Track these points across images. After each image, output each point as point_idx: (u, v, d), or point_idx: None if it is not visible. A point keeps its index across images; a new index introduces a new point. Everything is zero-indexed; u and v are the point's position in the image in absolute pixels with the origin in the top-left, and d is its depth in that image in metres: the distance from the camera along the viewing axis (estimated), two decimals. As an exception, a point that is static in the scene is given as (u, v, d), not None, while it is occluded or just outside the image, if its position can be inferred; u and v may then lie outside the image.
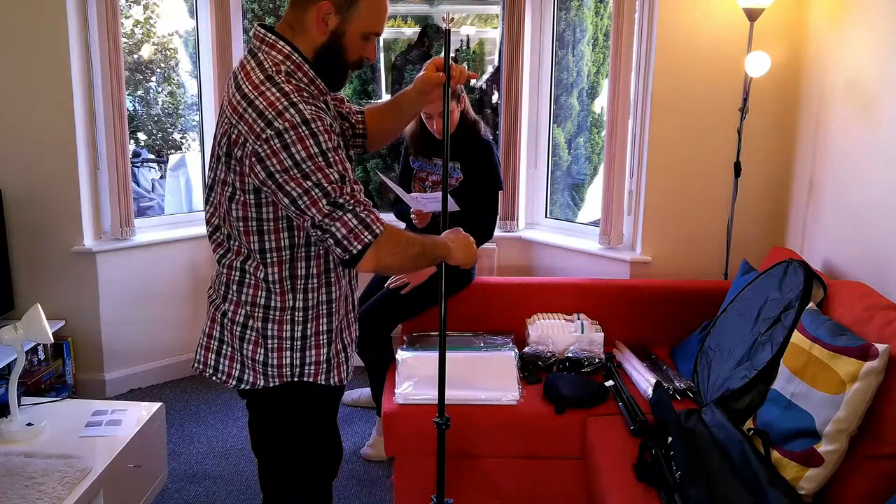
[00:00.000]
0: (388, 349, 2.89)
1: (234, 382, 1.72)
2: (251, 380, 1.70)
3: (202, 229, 4.14)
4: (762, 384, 2.19)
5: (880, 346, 1.82)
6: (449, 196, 2.02)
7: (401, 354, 2.69)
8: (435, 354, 2.69)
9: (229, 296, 1.69)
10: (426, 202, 2.84)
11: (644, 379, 2.59)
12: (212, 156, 1.65)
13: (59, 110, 3.25)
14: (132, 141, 4.72)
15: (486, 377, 2.55)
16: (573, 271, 3.50)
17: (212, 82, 3.70)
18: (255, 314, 1.67)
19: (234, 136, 1.54)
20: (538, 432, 2.48)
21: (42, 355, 3.30)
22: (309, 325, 1.69)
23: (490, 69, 5.56)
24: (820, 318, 2.08)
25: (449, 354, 2.65)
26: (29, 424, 2.43)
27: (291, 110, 1.50)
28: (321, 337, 1.71)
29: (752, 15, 2.86)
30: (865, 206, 2.51)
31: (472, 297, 3.00)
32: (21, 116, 3.25)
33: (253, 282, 1.66)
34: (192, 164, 4.89)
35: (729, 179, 3.09)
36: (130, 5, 4.34)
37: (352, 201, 1.54)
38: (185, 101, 4.65)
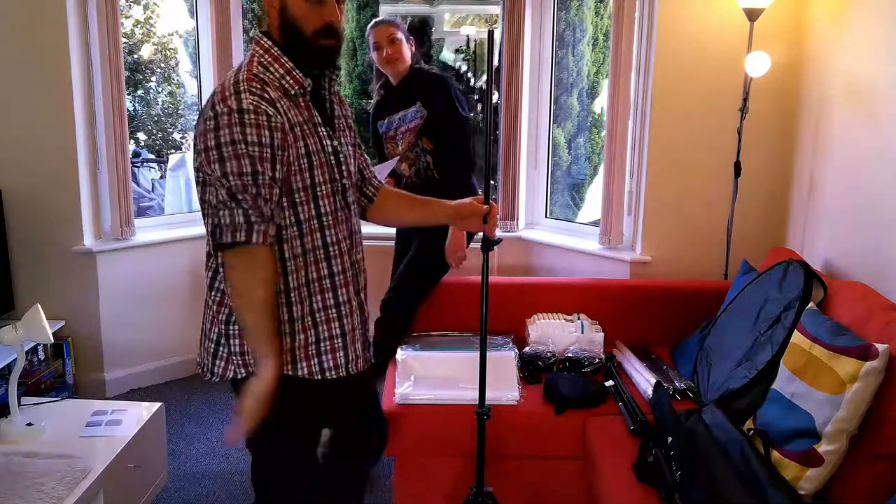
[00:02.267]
0: (398, 339, 2.91)
1: (207, 375, 1.74)
2: (219, 371, 1.72)
3: (202, 229, 4.15)
4: (762, 384, 2.19)
5: (880, 346, 1.82)
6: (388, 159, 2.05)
7: (400, 354, 2.69)
8: (435, 354, 2.70)
9: (207, 283, 1.74)
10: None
11: (644, 379, 2.59)
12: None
13: (59, 110, 3.25)
14: (132, 141, 4.73)
15: (487, 377, 2.55)
16: (573, 271, 3.50)
17: (212, 82, 3.70)
18: (225, 301, 1.69)
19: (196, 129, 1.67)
20: (538, 432, 2.48)
21: (42, 355, 3.30)
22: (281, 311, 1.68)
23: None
24: (820, 318, 2.08)
25: (449, 354, 2.67)
26: (29, 424, 2.43)
27: (234, 98, 1.55)
28: (294, 325, 1.69)
29: (752, 15, 2.86)
30: (865, 206, 2.51)
31: (471, 297, 2.99)
32: (21, 116, 3.25)
33: (214, 266, 1.70)
34: (191, 164, 4.89)
35: (729, 179, 3.09)
36: (130, 5, 4.34)
37: (250, 200, 1.55)
38: (185, 101, 4.65)
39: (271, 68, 1.65)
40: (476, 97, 5.33)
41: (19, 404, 2.45)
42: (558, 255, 3.61)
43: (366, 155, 1.99)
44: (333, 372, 1.73)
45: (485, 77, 5.21)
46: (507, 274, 3.66)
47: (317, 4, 1.65)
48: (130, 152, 3.75)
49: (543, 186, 3.82)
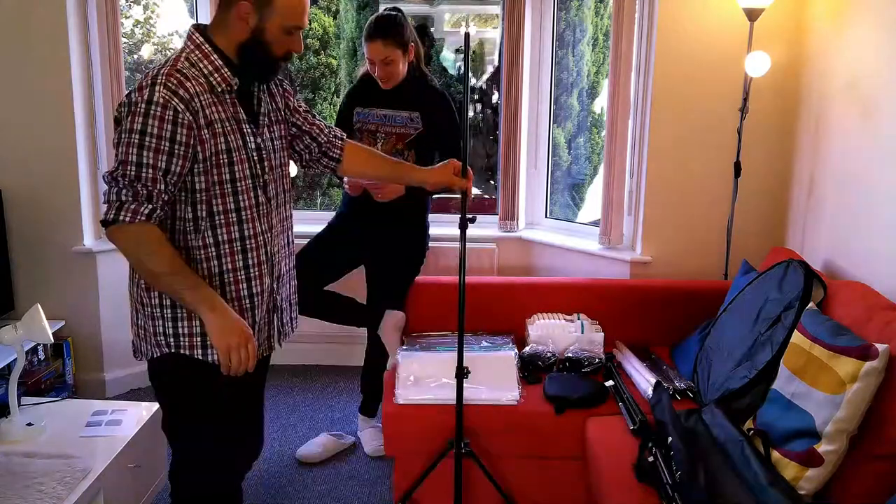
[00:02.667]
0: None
1: (139, 356, 1.84)
2: (143, 350, 1.83)
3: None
4: (762, 384, 2.19)
5: (880, 346, 1.82)
6: None
7: (401, 355, 2.69)
8: (435, 355, 2.70)
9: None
10: None
11: (644, 379, 2.59)
12: None
13: (59, 110, 3.24)
14: (132, 141, 4.73)
15: (486, 377, 2.55)
16: (573, 271, 3.50)
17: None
18: (133, 278, 1.80)
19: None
20: (538, 432, 2.48)
21: (42, 355, 3.30)
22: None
23: (490, 69, 5.57)
24: (820, 318, 2.08)
25: (448, 355, 2.66)
26: (29, 424, 2.43)
27: (148, 89, 1.64)
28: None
29: (752, 15, 2.86)
30: (865, 206, 2.51)
31: (472, 297, 2.99)
32: (21, 117, 3.25)
33: None
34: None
35: (729, 179, 3.09)
36: (130, 5, 4.34)
37: (127, 183, 1.63)
38: (185, 101, 4.66)
39: (200, 64, 1.72)
40: (476, 97, 5.33)
41: (19, 404, 2.45)
42: (558, 255, 3.61)
43: (319, 120, 2.06)
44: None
45: (484, 77, 5.21)
46: (506, 274, 3.66)
47: (290, 35, 1.76)
48: (130, 152, 3.75)
49: (543, 186, 3.82)
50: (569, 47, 4.02)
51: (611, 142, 3.32)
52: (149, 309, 1.77)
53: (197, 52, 1.73)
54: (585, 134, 4.27)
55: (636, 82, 3.23)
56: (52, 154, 3.28)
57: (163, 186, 1.65)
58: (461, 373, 2.33)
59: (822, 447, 1.85)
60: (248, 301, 1.82)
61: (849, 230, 2.61)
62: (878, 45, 2.46)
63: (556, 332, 2.86)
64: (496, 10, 4.66)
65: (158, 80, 1.65)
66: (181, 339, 1.77)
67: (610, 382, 2.61)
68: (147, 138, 1.63)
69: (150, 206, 1.64)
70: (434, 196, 2.93)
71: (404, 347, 2.79)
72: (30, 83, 3.22)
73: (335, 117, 3.08)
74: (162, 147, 1.64)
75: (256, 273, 1.82)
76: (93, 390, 3.47)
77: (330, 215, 3.13)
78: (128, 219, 1.63)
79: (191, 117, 1.66)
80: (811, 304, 2.22)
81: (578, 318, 2.92)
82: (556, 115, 3.85)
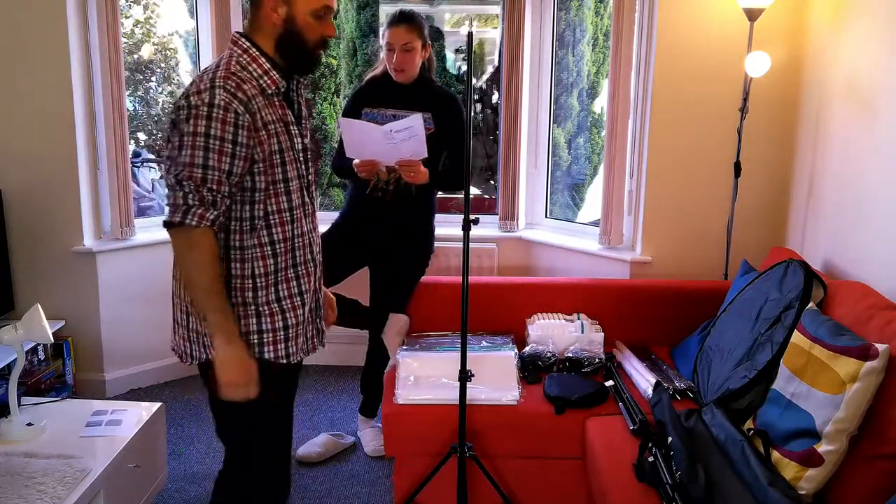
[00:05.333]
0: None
1: (188, 360, 1.83)
2: (192, 353, 1.82)
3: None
4: (762, 384, 2.19)
5: (880, 346, 1.82)
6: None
7: (401, 355, 2.69)
8: (434, 355, 2.70)
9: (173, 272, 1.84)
10: (400, 141, 2.61)
11: (644, 379, 2.59)
12: None
13: (59, 110, 3.25)
14: (132, 141, 4.72)
15: (486, 377, 2.55)
16: (573, 271, 3.50)
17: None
18: (180, 280, 1.81)
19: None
20: (538, 432, 2.48)
21: (42, 355, 3.30)
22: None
23: (490, 69, 5.57)
24: (820, 318, 2.08)
25: (448, 355, 2.67)
26: (29, 424, 2.43)
27: (207, 92, 1.66)
28: (260, 310, 1.79)
29: (752, 15, 2.86)
30: (865, 206, 2.51)
31: (472, 297, 2.99)
32: (21, 116, 3.25)
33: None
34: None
35: (729, 179, 3.09)
36: (130, 5, 4.34)
37: (192, 186, 1.65)
38: (185, 101, 4.66)
39: (249, 68, 1.74)
40: (476, 97, 5.34)
41: (19, 404, 2.45)
42: (558, 255, 3.61)
43: None
44: (294, 357, 1.86)
45: (484, 77, 5.21)
46: (506, 274, 3.66)
47: (320, 19, 1.78)
48: (130, 152, 3.75)
49: (543, 186, 3.82)
50: (569, 47, 4.02)
51: (611, 142, 3.32)
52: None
53: (245, 56, 1.75)
54: (585, 134, 4.28)
55: (636, 82, 3.23)
56: (52, 154, 3.28)
57: (226, 189, 1.68)
58: (464, 376, 2.32)
59: (822, 447, 1.85)
60: (298, 299, 1.85)
61: (849, 230, 2.61)
62: (878, 45, 2.46)
63: (556, 332, 2.86)
64: (496, 10, 4.66)
65: (217, 84, 1.67)
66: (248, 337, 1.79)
67: (610, 382, 2.61)
68: (211, 140, 1.65)
69: (214, 212, 1.67)
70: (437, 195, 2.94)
71: (404, 347, 2.79)
72: (30, 83, 3.22)
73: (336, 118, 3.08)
74: (225, 149, 1.66)
75: (304, 272, 1.86)
76: (93, 390, 3.48)
77: (330, 215, 3.13)
78: (194, 223, 1.65)
79: (250, 119, 1.69)
80: (811, 304, 2.22)
81: (578, 318, 2.92)
82: (556, 115, 3.85)
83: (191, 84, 1.72)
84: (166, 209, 1.68)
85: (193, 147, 1.65)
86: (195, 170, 1.65)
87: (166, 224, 1.68)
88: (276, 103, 1.78)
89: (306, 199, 1.86)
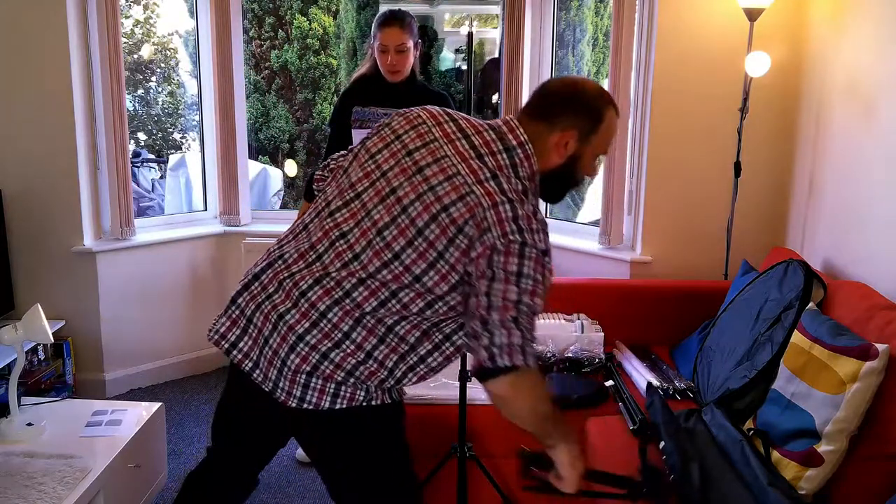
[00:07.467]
0: None
1: (305, 404, 1.65)
2: (343, 402, 1.66)
3: (202, 229, 4.12)
4: (762, 384, 2.19)
5: (880, 346, 1.82)
6: None
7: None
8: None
9: (339, 316, 1.64)
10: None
11: (644, 379, 2.59)
12: (417, 200, 1.62)
13: (59, 110, 3.24)
14: (132, 141, 4.73)
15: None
16: (573, 271, 3.50)
17: (212, 82, 3.70)
18: (401, 352, 1.69)
19: (474, 216, 1.57)
20: (538, 432, 2.48)
21: (42, 355, 3.30)
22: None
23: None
24: (820, 318, 2.08)
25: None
26: (29, 424, 2.43)
27: (541, 235, 1.57)
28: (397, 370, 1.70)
29: (752, 15, 2.86)
30: (866, 206, 2.51)
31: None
32: (21, 116, 3.25)
33: (370, 325, 1.63)
34: (191, 164, 4.89)
35: (729, 179, 3.09)
36: (130, 5, 4.34)
37: (530, 328, 1.57)
38: (185, 101, 4.65)
39: (525, 182, 1.65)
40: (477, 97, 5.35)
41: (19, 404, 2.45)
42: (558, 255, 3.59)
43: None
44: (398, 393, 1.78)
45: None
46: (507, 274, 3.66)
47: (595, 162, 1.73)
48: (130, 152, 3.75)
49: (543, 186, 3.82)
50: (569, 47, 4.02)
51: (611, 142, 3.32)
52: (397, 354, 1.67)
53: (528, 170, 1.66)
54: (585, 134, 4.27)
55: (636, 82, 3.23)
56: (52, 154, 3.28)
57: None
58: (464, 376, 2.32)
59: (822, 447, 1.85)
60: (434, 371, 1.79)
61: (849, 230, 2.61)
62: (878, 45, 2.46)
63: (556, 332, 2.86)
64: (496, 10, 4.66)
65: (545, 227, 1.60)
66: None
67: (610, 382, 2.61)
68: (540, 287, 1.57)
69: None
70: None
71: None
72: (30, 83, 3.22)
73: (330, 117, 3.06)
74: (542, 297, 1.59)
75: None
76: (93, 390, 3.48)
77: None
78: (532, 365, 1.58)
79: None
80: (811, 304, 2.22)
81: (578, 318, 2.92)
82: (556, 115, 3.85)
83: (518, 215, 1.57)
84: (491, 349, 1.55)
85: (533, 293, 1.55)
86: (530, 312, 1.56)
87: (507, 369, 1.55)
88: None
89: None
